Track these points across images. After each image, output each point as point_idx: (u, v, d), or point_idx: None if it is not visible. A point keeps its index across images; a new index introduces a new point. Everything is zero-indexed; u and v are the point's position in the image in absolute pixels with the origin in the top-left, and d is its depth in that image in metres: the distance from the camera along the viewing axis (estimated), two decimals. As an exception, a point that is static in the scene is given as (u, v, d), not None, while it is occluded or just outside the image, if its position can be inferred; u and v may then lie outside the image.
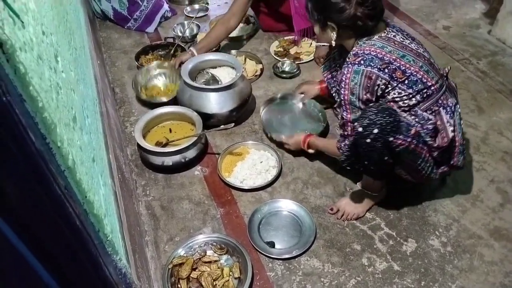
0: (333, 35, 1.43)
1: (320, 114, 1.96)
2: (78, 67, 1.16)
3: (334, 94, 1.80)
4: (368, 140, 1.27)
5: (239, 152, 1.81)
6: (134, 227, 1.33)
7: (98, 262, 0.75)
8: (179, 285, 1.37)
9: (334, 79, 1.78)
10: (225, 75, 2.01)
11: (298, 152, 1.79)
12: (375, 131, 1.25)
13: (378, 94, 1.37)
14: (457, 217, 1.57)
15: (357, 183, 1.62)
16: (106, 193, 0.97)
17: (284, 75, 2.24)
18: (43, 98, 0.63)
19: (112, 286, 0.81)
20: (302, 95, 2.00)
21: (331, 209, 1.59)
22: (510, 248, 1.46)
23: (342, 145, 1.45)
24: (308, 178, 1.73)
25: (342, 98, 1.41)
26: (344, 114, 1.43)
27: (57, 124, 0.66)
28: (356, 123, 1.30)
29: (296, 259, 1.45)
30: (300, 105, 2.02)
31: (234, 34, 2.55)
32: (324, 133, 1.89)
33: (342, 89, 1.39)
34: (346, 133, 1.45)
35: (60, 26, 1.05)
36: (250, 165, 1.74)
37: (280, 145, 1.83)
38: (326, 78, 1.82)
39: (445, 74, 1.47)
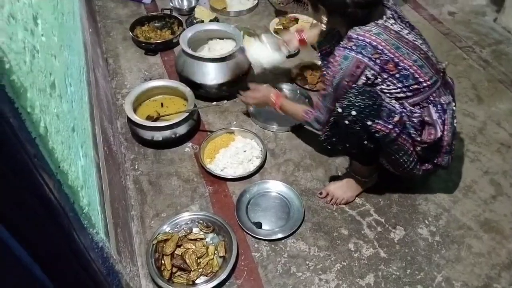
0: (324, 19, 1.37)
1: (307, 100, 1.93)
2: (64, 32, 1.11)
3: (324, 73, 1.72)
4: (347, 122, 1.23)
5: (224, 138, 1.76)
6: (118, 201, 1.31)
7: (71, 235, 0.72)
8: (162, 261, 1.35)
9: (328, 58, 1.71)
10: (228, 48, 1.95)
11: (260, 105, 1.74)
12: (353, 113, 1.21)
13: (365, 83, 1.29)
14: (448, 207, 1.56)
15: (347, 168, 1.59)
16: (86, 164, 0.94)
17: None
18: (11, 59, 0.59)
19: (86, 259, 0.79)
20: (284, 45, 1.86)
21: (321, 193, 1.57)
22: (498, 241, 1.45)
23: (309, 116, 1.44)
24: (300, 160, 1.71)
25: (326, 78, 1.36)
26: (322, 92, 1.40)
27: (27, 89, 0.63)
28: (337, 103, 1.26)
29: (283, 241, 1.44)
30: (287, 92, 1.97)
31: (233, 9, 2.49)
32: None
33: (328, 69, 1.34)
34: (317, 109, 1.42)
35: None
36: (233, 153, 1.68)
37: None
38: (319, 55, 1.72)
39: (441, 70, 1.41)
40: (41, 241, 0.68)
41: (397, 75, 1.27)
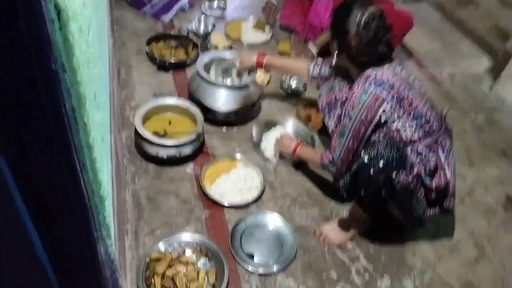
0: (335, 51, 1.51)
1: (311, 138, 1.98)
2: (100, 42, 1.14)
3: (326, 123, 1.72)
4: (371, 172, 1.29)
5: (226, 164, 1.79)
6: (120, 214, 1.31)
7: (94, 244, 0.73)
8: (153, 280, 1.34)
9: (329, 107, 1.71)
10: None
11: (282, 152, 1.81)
12: (381, 164, 1.27)
13: (382, 121, 1.38)
14: (433, 262, 1.60)
15: (344, 211, 1.63)
16: (108, 175, 0.95)
17: (290, 92, 2.25)
18: (81, 71, 0.61)
19: (100, 269, 0.80)
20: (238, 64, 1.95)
21: (314, 233, 1.60)
22: (479, 303, 1.50)
23: (325, 161, 1.50)
24: (297, 196, 1.74)
25: (343, 112, 1.43)
26: (338, 130, 1.46)
27: (86, 99, 0.65)
28: (362, 152, 1.32)
29: (273, 276, 1.45)
30: (291, 130, 2.00)
31: (247, 39, 2.57)
32: None
33: (347, 104, 1.42)
34: (333, 149, 1.47)
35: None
36: (234, 180, 1.71)
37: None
38: (320, 104, 1.75)
39: (443, 115, 1.51)
40: (66, 245, 0.69)
41: (412, 113, 1.37)
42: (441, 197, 1.44)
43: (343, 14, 1.42)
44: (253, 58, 1.87)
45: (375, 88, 1.35)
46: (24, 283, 0.73)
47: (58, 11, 0.51)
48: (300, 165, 1.85)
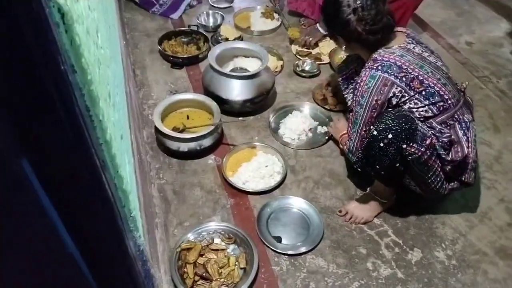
0: (343, 46, 1.51)
1: (328, 120, 1.98)
2: (112, 44, 1.17)
3: (345, 96, 1.80)
4: (382, 145, 1.28)
5: (246, 153, 1.81)
6: (147, 208, 1.35)
7: (122, 237, 0.77)
8: (185, 269, 1.39)
9: (348, 81, 1.78)
10: (253, 66, 2.02)
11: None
12: (390, 136, 1.27)
13: (393, 103, 1.38)
14: (464, 232, 1.58)
15: (368, 188, 1.63)
16: (130, 171, 0.99)
17: (304, 74, 2.25)
18: (91, 71, 0.64)
19: (131, 261, 0.83)
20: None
21: (340, 211, 1.61)
22: (514, 268, 1.48)
23: (346, 150, 1.54)
24: (319, 178, 1.75)
25: (354, 100, 1.43)
26: (350, 118, 1.48)
27: (100, 98, 0.68)
28: (371, 126, 1.32)
29: (302, 256, 1.47)
30: (308, 112, 2.00)
31: (257, 28, 2.57)
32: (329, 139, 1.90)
33: (356, 91, 1.41)
34: (349, 142, 1.50)
35: (99, 3, 1.07)
36: (255, 167, 1.73)
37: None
38: (339, 79, 1.81)
39: (462, 90, 1.48)
40: (99, 241, 0.72)
41: (423, 92, 1.34)
42: (459, 170, 1.42)
43: (334, 8, 1.42)
44: (339, 134, 1.76)
45: (383, 73, 1.34)
46: (62, 281, 0.78)
47: (62, 15, 0.53)
48: (319, 147, 1.86)
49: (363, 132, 1.42)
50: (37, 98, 0.51)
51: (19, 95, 0.51)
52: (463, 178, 1.44)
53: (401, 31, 1.47)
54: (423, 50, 1.42)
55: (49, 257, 0.72)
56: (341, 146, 1.73)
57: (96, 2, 1.00)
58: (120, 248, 0.77)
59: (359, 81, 1.40)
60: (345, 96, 1.81)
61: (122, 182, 0.79)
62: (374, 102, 1.36)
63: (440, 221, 1.61)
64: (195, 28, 2.45)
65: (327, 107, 2.05)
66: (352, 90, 1.70)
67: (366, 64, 1.43)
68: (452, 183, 1.45)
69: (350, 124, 1.48)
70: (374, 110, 1.37)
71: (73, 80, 0.58)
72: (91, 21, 0.81)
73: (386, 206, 1.60)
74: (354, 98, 1.41)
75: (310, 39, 2.37)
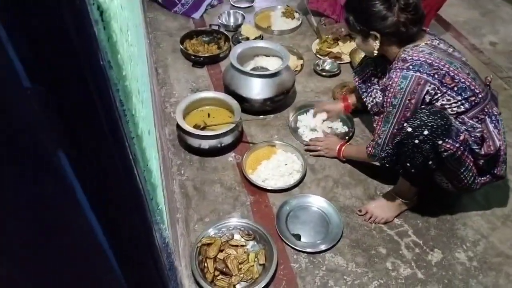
0: (376, 44, 1.43)
1: (347, 118, 1.98)
2: (139, 42, 1.20)
3: (365, 100, 1.74)
4: (416, 141, 1.28)
5: (265, 151, 1.83)
6: (170, 203, 1.38)
7: (150, 228, 0.79)
8: (205, 264, 1.41)
9: (366, 85, 1.75)
10: (273, 65, 2.04)
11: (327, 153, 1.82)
12: (425, 132, 1.26)
13: (426, 101, 1.36)
14: (486, 233, 1.57)
15: (389, 189, 1.63)
16: (156, 166, 1.02)
17: (324, 74, 2.25)
18: (125, 67, 0.67)
19: (158, 252, 0.86)
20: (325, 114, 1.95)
21: (360, 211, 1.61)
22: (537, 271, 1.45)
23: (372, 150, 1.51)
24: (339, 177, 1.75)
25: (386, 101, 1.42)
26: (380, 117, 1.46)
27: (132, 94, 0.71)
28: (406, 123, 1.31)
29: (321, 254, 1.48)
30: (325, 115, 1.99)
31: (277, 28, 2.58)
32: (349, 139, 1.90)
33: (388, 93, 1.40)
34: (377, 139, 1.48)
35: (128, 2, 1.10)
36: (275, 165, 1.74)
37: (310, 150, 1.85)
38: (357, 83, 1.78)
39: (487, 84, 1.47)
40: (128, 232, 0.75)
41: (455, 88, 1.34)
42: (492, 163, 1.41)
43: (367, 2, 1.37)
44: (338, 105, 1.89)
45: (415, 72, 1.33)
46: (90, 269, 0.80)
47: (101, 12, 0.56)
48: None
49: (395, 131, 1.41)
50: (78, 92, 0.53)
51: (60, 89, 0.53)
52: (495, 171, 1.43)
53: (423, 30, 1.46)
54: (447, 47, 1.42)
55: (80, 246, 0.75)
56: (343, 159, 1.77)
57: (126, 1, 1.03)
58: (148, 239, 0.80)
59: (390, 82, 1.38)
60: (364, 100, 1.76)
61: (151, 176, 0.81)
62: (407, 101, 1.35)
63: (461, 222, 1.60)
64: (216, 27, 2.47)
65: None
66: (370, 92, 1.69)
67: (395, 65, 1.40)
68: (484, 177, 1.44)
69: (379, 123, 1.46)
70: (407, 110, 1.36)
71: (110, 76, 0.60)
72: (123, 20, 0.83)
73: (408, 207, 1.59)
74: (386, 99, 1.40)
75: (342, 29, 2.37)
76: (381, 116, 1.45)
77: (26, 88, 0.52)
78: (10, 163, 0.55)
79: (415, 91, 1.33)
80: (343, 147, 1.75)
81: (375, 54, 1.47)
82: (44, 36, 0.49)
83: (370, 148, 1.53)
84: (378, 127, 1.47)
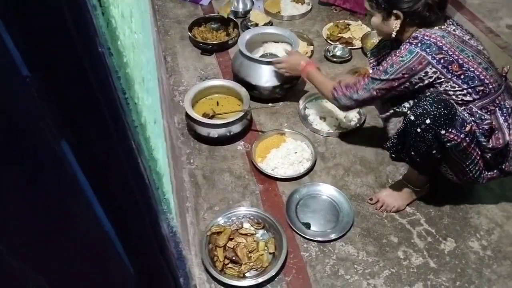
0: (396, 25, 1.37)
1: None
2: (144, 30, 1.19)
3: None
4: (419, 130, 1.25)
5: (275, 139, 1.81)
6: (179, 192, 1.38)
7: (156, 217, 0.79)
8: (215, 252, 1.41)
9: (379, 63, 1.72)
10: (283, 52, 2.01)
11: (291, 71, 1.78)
12: (428, 121, 1.23)
13: (425, 82, 1.31)
14: (500, 222, 1.53)
15: (400, 176, 1.60)
16: (163, 155, 1.01)
17: (335, 59, 2.21)
18: (127, 54, 0.65)
19: (164, 242, 0.85)
20: None
21: (371, 199, 1.58)
22: (554, 261, 1.42)
23: (337, 93, 1.48)
24: (350, 165, 1.73)
25: (382, 64, 1.38)
26: (369, 74, 1.42)
27: (135, 82, 0.69)
28: (409, 111, 1.28)
29: (331, 243, 1.46)
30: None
31: (287, 13, 2.54)
32: (360, 126, 1.87)
33: (389, 59, 1.36)
34: (354, 88, 1.44)
35: (133, -11, 1.08)
36: (284, 154, 1.73)
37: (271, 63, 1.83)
38: (371, 65, 1.75)
39: (504, 74, 1.41)
40: (134, 221, 0.74)
41: (462, 76, 1.29)
42: (500, 158, 1.36)
43: None
44: (298, 67, 1.74)
45: (421, 50, 1.28)
46: (97, 258, 0.80)
47: (99, -2, 0.54)
48: (349, 133, 1.82)
49: (374, 94, 1.39)
50: (76, 80, 0.52)
51: (58, 77, 0.52)
52: (503, 167, 1.38)
53: (445, 16, 1.40)
54: (464, 34, 1.36)
55: (86, 235, 0.75)
56: (305, 77, 1.71)
57: (130, -13, 1.01)
58: (154, 229, 0.79)
59: (396, 52, 1.34)
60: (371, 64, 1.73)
61: (156, 165, 0.80)
62: (401, 75, 1.32)
63: (475, 210, 1.56)
64: (224, 15, 2.44)
65: None
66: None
67: (406, 41, 1.36)
68: (491, 172, 1.39)
69: (365, 79, 1.42)
70: (396, 81, 1.33)
71: (110, 63, 0.59)
72: (126, 5, 0.81)
73: (419, 195, 1.56)
74: (383, 63, 1.36)
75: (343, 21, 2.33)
76: (371, 73, 1.42)
77: (25, 76, 0.51)
78: (12, 154, 0.55)
79: (413, 68, 1.29)
80: (309, 69, 1.67)
81: (393, 36, 1.41)
82: (40, 22, 0.47)
83: (339, 92, 1.48)
84: (362, 82, 1.43)
